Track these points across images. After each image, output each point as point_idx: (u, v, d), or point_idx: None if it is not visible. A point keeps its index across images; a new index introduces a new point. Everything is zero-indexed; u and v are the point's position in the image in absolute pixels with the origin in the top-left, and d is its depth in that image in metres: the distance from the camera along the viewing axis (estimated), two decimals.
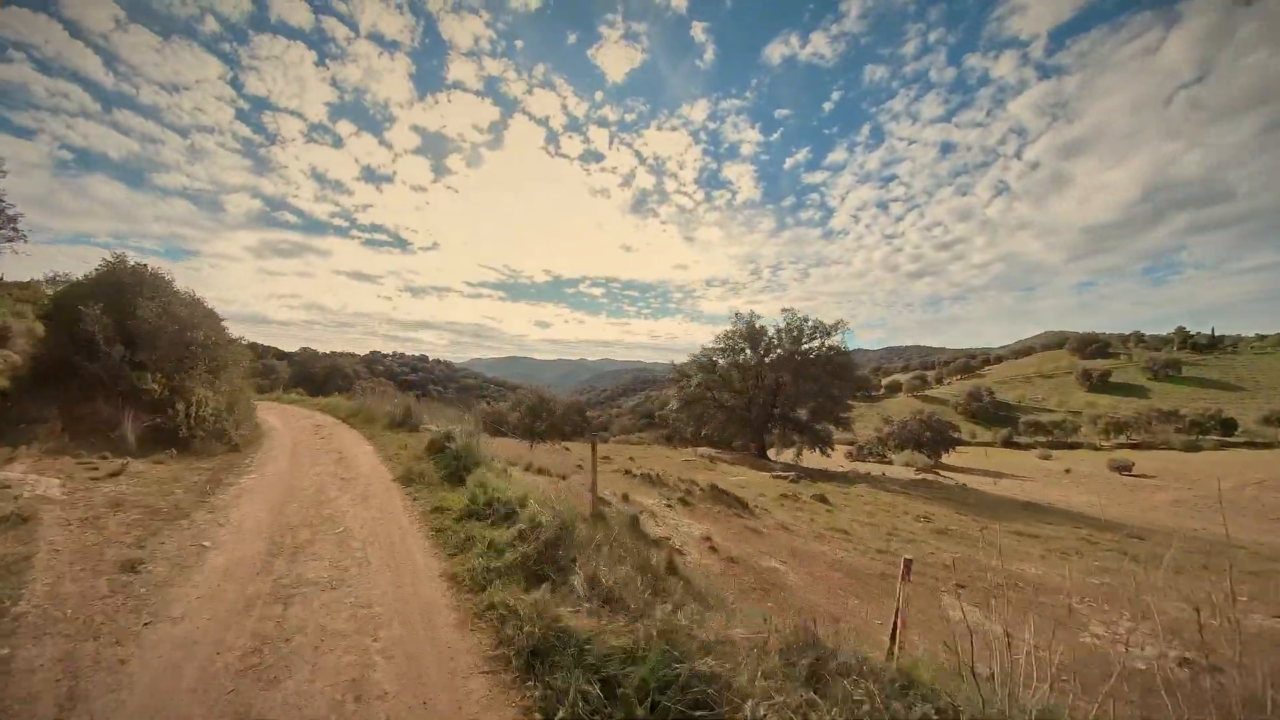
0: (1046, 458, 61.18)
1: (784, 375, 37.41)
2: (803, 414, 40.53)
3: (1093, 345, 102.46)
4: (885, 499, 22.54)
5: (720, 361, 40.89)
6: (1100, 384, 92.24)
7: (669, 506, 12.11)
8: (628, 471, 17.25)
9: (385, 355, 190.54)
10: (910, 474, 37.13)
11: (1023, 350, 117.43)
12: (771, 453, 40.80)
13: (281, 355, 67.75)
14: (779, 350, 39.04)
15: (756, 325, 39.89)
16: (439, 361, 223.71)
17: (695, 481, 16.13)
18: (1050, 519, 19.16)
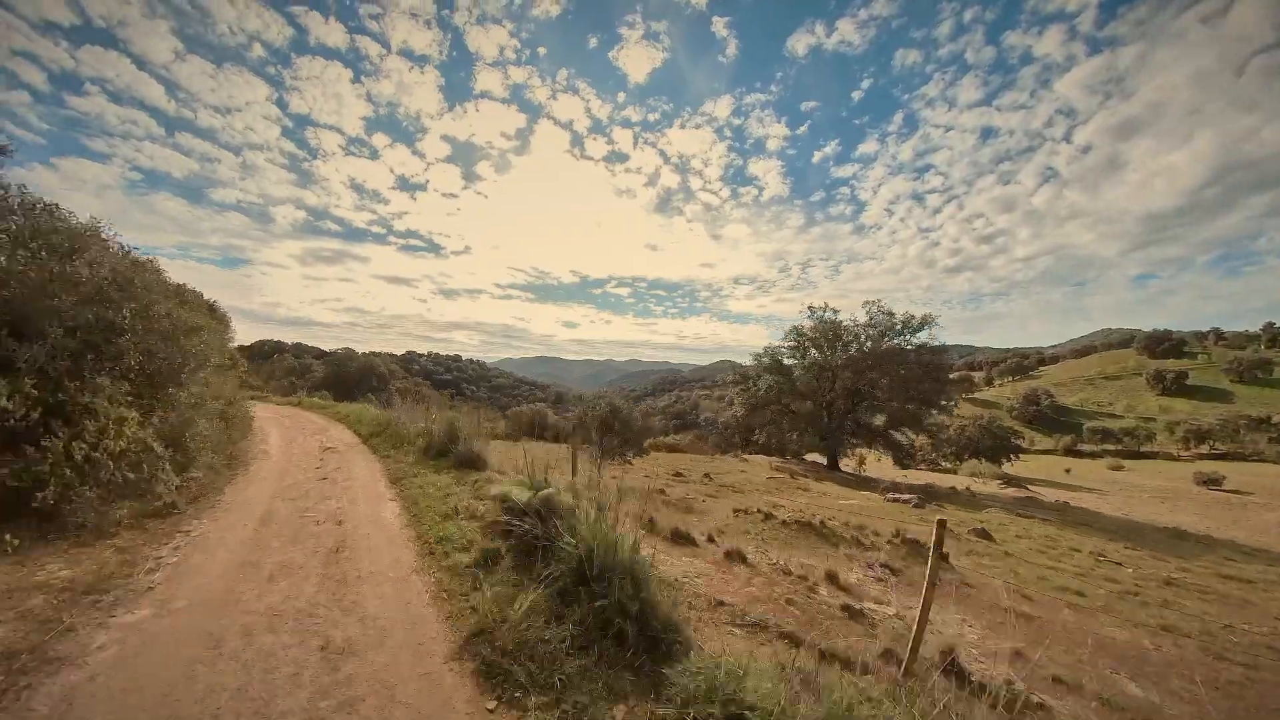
0: (1118, 468, 53.91)
1: (871, 375, 32.04)
2: (879, 420, 35.20)
3: (1164, 343, 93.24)
4: (1038, 530, 17.42)
5: (789, 361, 35.76)
6: (1175, 387, 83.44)
7: (879, 580, 7.21)
8: (742, 512, 12.40)
9: (421, 355, 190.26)
10: (997, 488, 31.48)
11: (1082, 349, 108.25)
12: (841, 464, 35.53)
13: (321, 355, 65.00)
14: (856, 348, 33.74)
15: (832, 320, 34.56)
16: (472, 361, 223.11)
17: (877, 532, 11.15)
18: (1224, 552, 15.38)
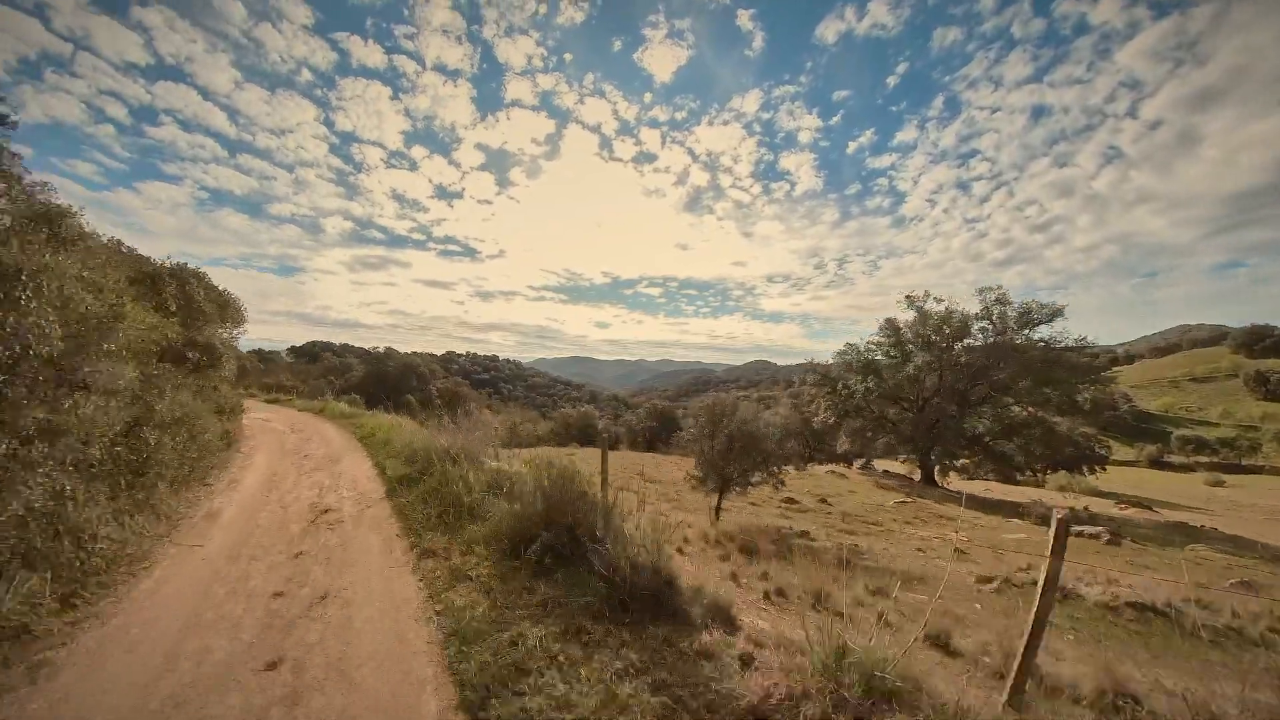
0: (1218, 484, 45.42)
1: (995, 376, 26.16)
2: (979, 427, 29.20)
3: (1264, 340, 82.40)
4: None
5: (881, 360, 30.08)
6: None
7: None
8: (987, 583, 7.14)
9: (460, 355, 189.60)
10: (1114, 508, 25.06)
11: (1163, 348, 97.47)
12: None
13: (365, 355, 62.41)
14: (964, 343, 27.89)
15: (943, 312, 28.69)
16: (509, 361, 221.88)
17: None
18: None
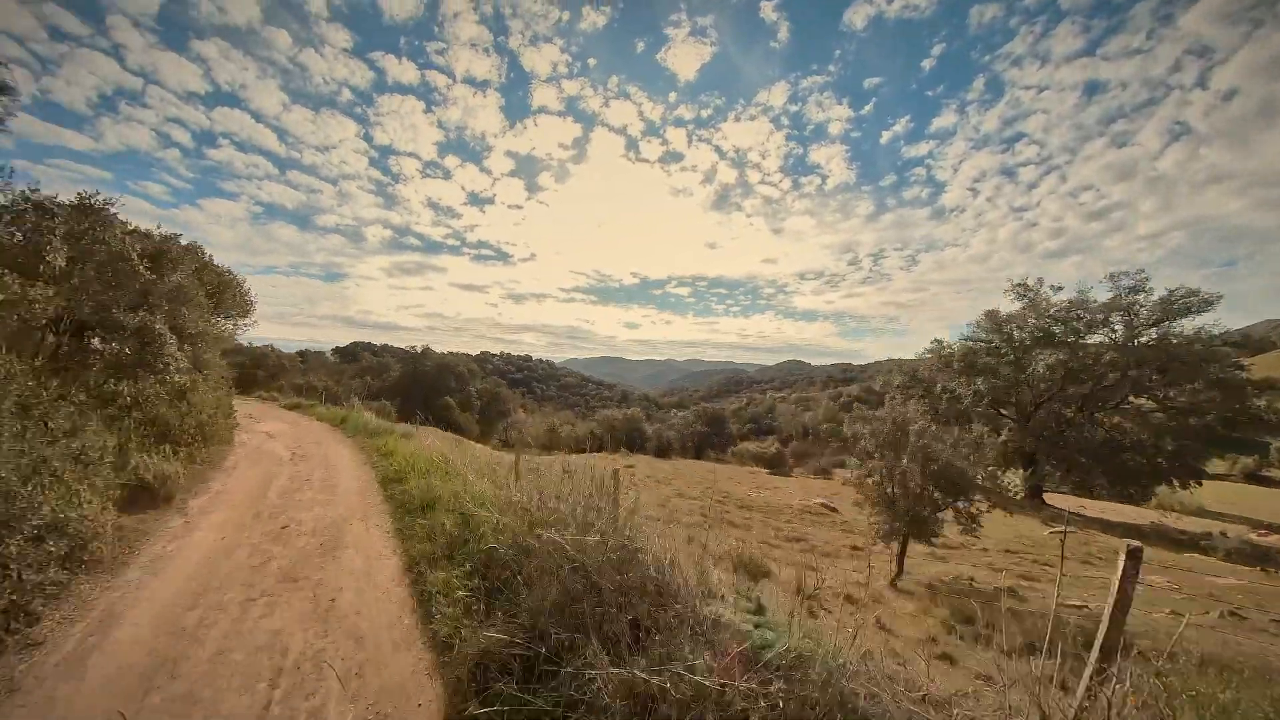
0: None
1: (1148, 371, 21.27)
2: (1100, 435, 24.31)
3: None
4: None
5: (987, 359, 25.30)
6: None
7: None
8: None
9: (494, 355, 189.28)
10: (1251, 534, 19.89)
11: (1255, 346, 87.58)
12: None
13: (403, 355, 60.54)
14: (1095, 338, 23.03)
15: (1054, 303, 23.86)
16: (542, 361, 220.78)
17: None
18: None
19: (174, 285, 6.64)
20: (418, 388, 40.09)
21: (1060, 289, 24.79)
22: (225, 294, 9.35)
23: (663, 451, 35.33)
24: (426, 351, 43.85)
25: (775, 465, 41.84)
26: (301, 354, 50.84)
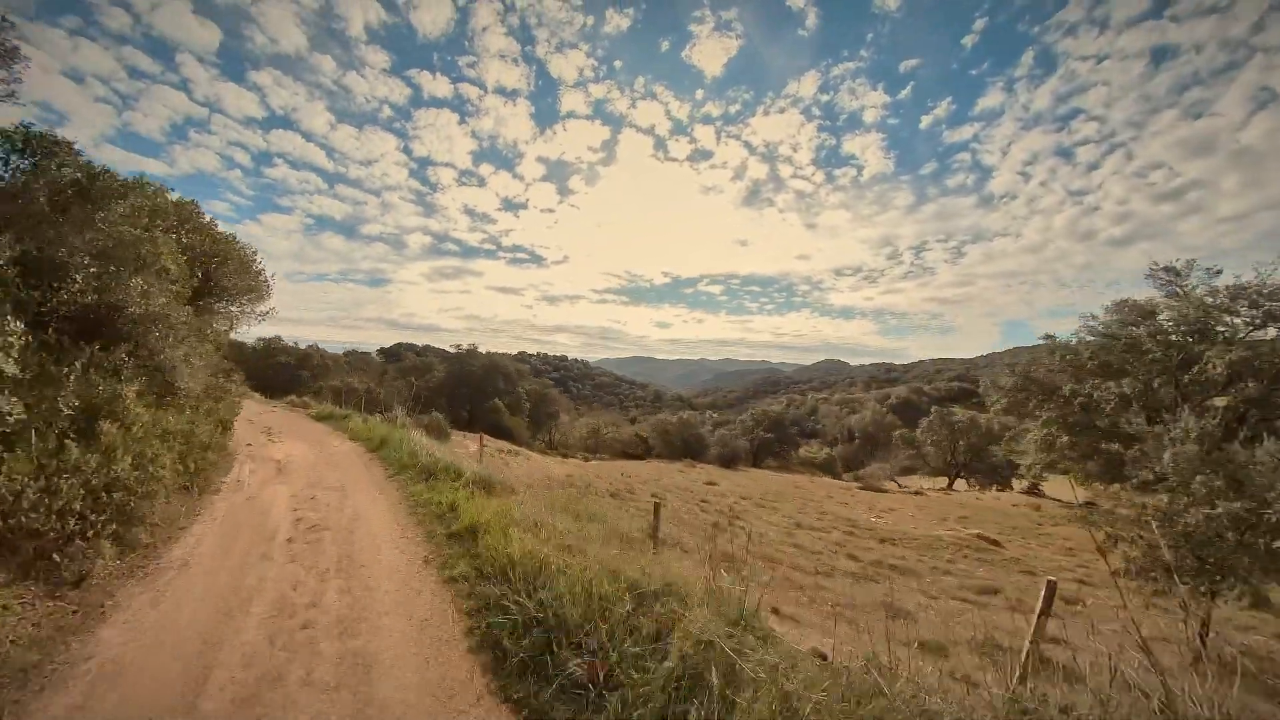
0: None
1: None
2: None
3: None
4: None
5: (1125, 357, 20.81)
6: None
7: None
8: None
9: (531, 355, 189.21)
10: None
11: None
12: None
13: (446, 356, 59.21)
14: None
15: (1222, 288, 19.13)
16: (577, 361, 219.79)
17: None
18: None
19: (104, 233, 3.76)
20: (464, 389, 37.78)
21: (1219, 272, 20.04)
22: (224, 267, 6.51)
23: (728, 460, 31.80)
24: (473, 351, 41.53)
25: (828, 470, 37.79)
26: (348, 354, 49.86)
